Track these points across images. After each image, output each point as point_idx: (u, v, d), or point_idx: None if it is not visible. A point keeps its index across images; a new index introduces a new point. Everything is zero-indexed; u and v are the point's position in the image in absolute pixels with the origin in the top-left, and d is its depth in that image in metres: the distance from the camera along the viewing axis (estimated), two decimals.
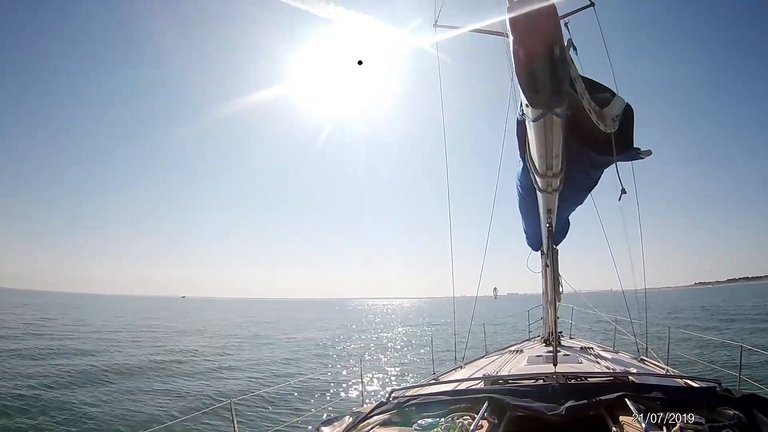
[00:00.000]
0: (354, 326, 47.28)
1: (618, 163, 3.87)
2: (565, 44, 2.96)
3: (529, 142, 3.14)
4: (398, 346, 27.15)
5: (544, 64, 2.18)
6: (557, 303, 7.00)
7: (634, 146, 3.35)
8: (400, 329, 42.84)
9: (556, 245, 6.75)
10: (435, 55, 4.91)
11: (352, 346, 27.29)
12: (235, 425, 4.01)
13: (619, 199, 3.38)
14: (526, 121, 2.77)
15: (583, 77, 2.96)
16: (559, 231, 6.30)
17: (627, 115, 3.17)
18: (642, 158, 3.41)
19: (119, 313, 59.06)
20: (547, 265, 6.04)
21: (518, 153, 3.97)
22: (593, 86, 3.03)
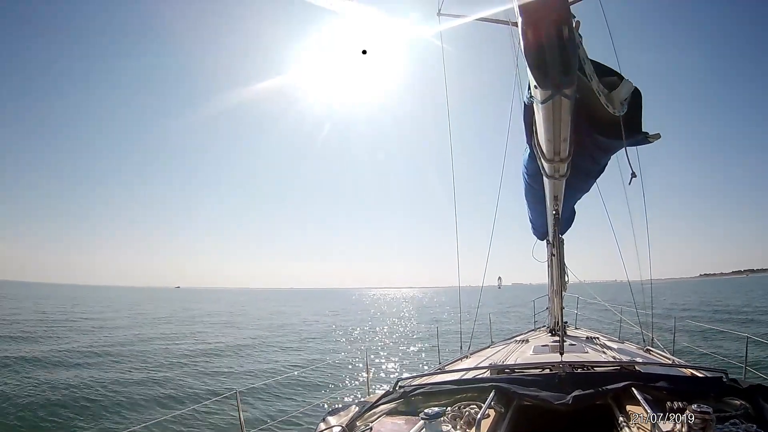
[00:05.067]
0: (359, 316, 47.32)
1: (626, 147, 3.85)
2: (574, 26, 2.95)
3: (537, 126, 3.13)
4: (403, 336, 27.24)
5: (553, 44, 2.17)
6: (563, 293, 7.00)
7: (643, 130, 3.32)
8: (404, 319, 42.92)
9: (562, 234, 6.70)
10: (438, 45, 4.85)
11: (357, 336, 27.39)
12: (241, 415, 4.05)
13: (630, 183, 3.37)
14: (534, 104, 2.76)
15: (591, 60, 2.92)
16: (565, 220, 6.28)
17: (635, 99, 3.14)
18: (651, 142, 3.38)
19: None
20: (553, 255, 6.03)
21: (525, 139, 3.95)
22: (601, 69, 3.01)
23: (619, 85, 2.88)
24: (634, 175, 3.27)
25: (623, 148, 3.72)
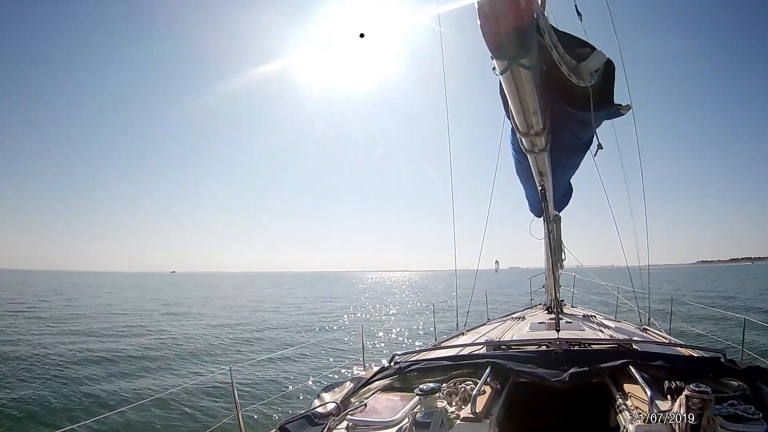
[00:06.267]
0: (356, 297, 47.50)
1: (608, 122, 3.73)
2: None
3: (506, 98, 3.07)
4: (399, 314, 27.48)
5: (507, 12, 2.13)
6: (559, 270, 7.01)
7: (615, 103, 3.27)
8: (400, 298, 43.15)
9: (559, 211, 6.74)
10: (435, 28, 4.79)
11: (353, 314, 27.74)
12: (235, 392, 3.97)
13: (595, 155, 3.36)
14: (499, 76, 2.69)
15: (561, 31, 2.91)
16: (561, 196, 6.26)
17: (608, 70, 3.09)
18: (622, 114, 3.36)
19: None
20: (549, 231, 6.00)
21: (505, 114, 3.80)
22: (571, 41, 2.94)
23: (590, 55, 2.83)
24: (600, 146, 3.25)
25: (604, 121, 3.66)
